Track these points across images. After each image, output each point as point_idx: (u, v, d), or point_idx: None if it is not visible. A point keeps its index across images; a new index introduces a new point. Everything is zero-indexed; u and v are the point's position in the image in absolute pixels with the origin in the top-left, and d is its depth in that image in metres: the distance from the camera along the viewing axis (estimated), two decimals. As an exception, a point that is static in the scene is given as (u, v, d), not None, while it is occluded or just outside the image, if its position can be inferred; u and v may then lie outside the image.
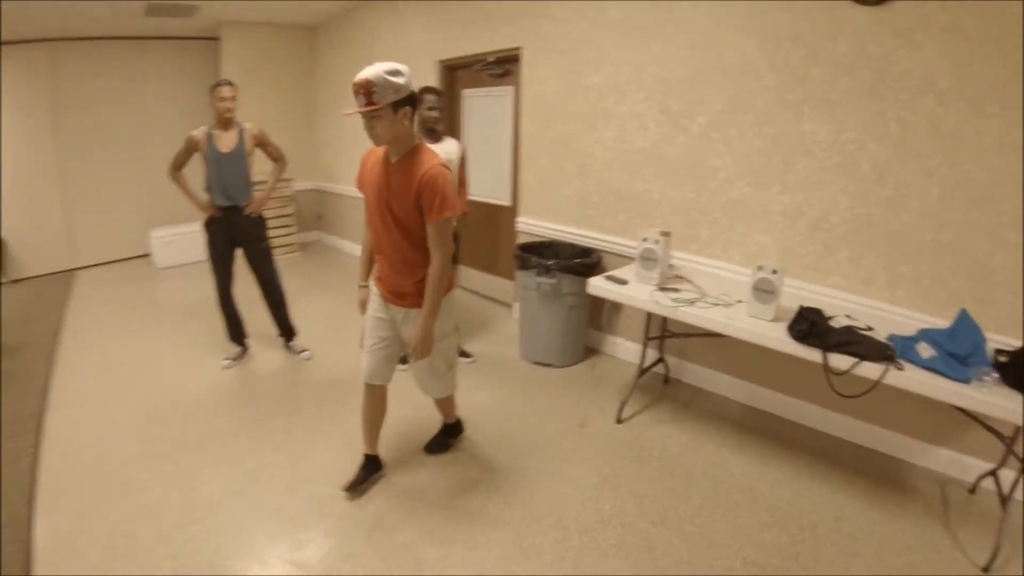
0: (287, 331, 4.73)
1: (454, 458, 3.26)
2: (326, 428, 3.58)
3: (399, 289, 2.69)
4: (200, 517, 2.81)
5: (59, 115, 7.23)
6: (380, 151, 2.58)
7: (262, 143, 4.39)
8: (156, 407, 3.88)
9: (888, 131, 3.05)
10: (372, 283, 2.86)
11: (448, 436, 3.34)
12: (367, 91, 2.30)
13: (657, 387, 4.05)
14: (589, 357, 4.56)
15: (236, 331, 4.62)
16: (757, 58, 3.44)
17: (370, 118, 2.36)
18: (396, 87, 2.33)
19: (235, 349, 4.62)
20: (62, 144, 7.33)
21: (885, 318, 3.03)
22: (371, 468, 3.02)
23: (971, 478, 3.00)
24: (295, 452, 3.34)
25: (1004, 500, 2.64)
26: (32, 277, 7.30)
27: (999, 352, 2.50)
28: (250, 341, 4.69)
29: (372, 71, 2.30)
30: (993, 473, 2.82)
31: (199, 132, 4.20)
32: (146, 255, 7.90)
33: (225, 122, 4.18)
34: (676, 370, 4.15)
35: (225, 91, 4.13)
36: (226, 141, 4.20)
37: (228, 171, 4.22)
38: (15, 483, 3.06)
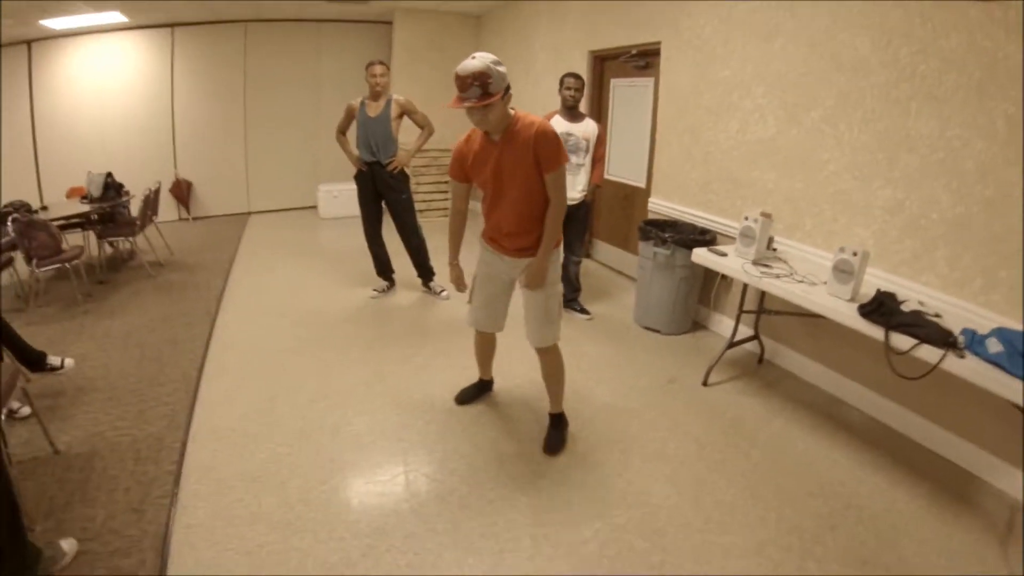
0: (425, 273, 5.50)
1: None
2: (447, 351, 4.32)
3: (522, 244, 2.94)
4: (330, 395, 3.68)
5: (249, 83, 8.76)
6: (476, 139, 2.81)
7: (408, 111, 5.13)
8: (307, 317, 4.93)
9: (995, 128, 3.02)
10: (486, 246, 3.11)
11: (563, 429, 3.32)
12: (483, 82, 2.44)
13: (751, 365, 4.30)
14: (695, 330, 4.89)
15: (383, 267, 5.54)
16: (869, 54, 3.55)
17: (484, 108, 2.50)
18: (503, 75, 2.52)
19: (382, 283, 5.54)
20: (250, 108, 8.86)
21: (975, 321, 2.98)
22: (482, 388, 3.68)
23: None
24: (419, 365, 4.12)
25: None
26: (213, 216, 8.99)
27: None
28: (396, 278, 5.66)
29: (481, 63, 2.45)
30: None
31: (355, 101, 5.09)
32: (312, 206, 9.33)
33: (376, 94, 4.99)
34: (771, 352, 4.36)
35: (377, 69, 4.93)
36: (374, 108, 5.01)
37: (373, 132, 5.02)
38: (191, 356, 4.15)
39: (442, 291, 5.43)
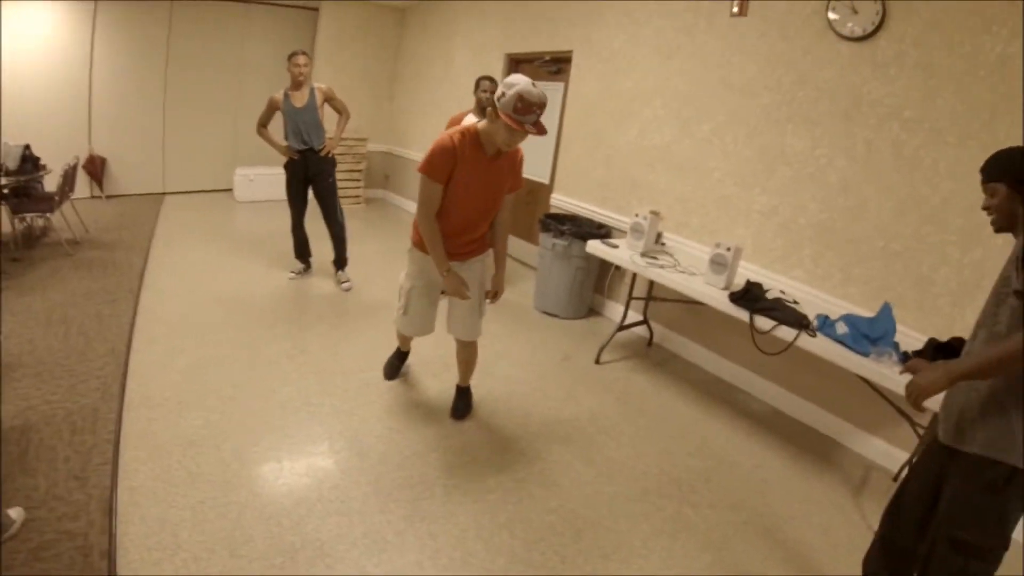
0: (340, 260, 5.50)
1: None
2: (362, 327, 4.54)
3: (467, 250, 3.05)
4: (257, 366, 3.78)
5: (172, 61, 8.44)
6: (467, 145, 2.76)
7: (329, 98, 5.24)
8: (229, 294, 4.94)
9: (856, 150, 3.58)
10: (427, 254, 3.02)
11: (468, 399, 3.56)
12: (541, 112, 2.59)
13: (641, 347, 4.73)
14: (590, 316, 5.29)
15: (303, 251, 5.56)
16: (755, 79, 4.06)
17: (537, 133, 2.63)
18: None
19: (299, 265, 5.57)
20: (170, 86, 8.53)
21: (834, 309, 3.50)
22: (403, 358, 3.84)
23: (895, 467, 3.40)
24: (337, 339, 4.31)
25: (897, 476, 3.22)
26: (127, 195, 8.56)
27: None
28: (312, 262, 5.63)
29: (543, 93, 2.57)
30: (910, 462, 3.15)
31: (277, 94, 5.09)
32: (228, 189, 9.08)
33: (298, 84, 5.03)
34: (660, 337, 4.80)
35: (300, 59, 4.99)
36: (299, 98, 5.05)
37: (303, 120, 5.05)
38: (117, 331, 4.08)
39: (345, 282, 5.44)
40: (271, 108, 5.11)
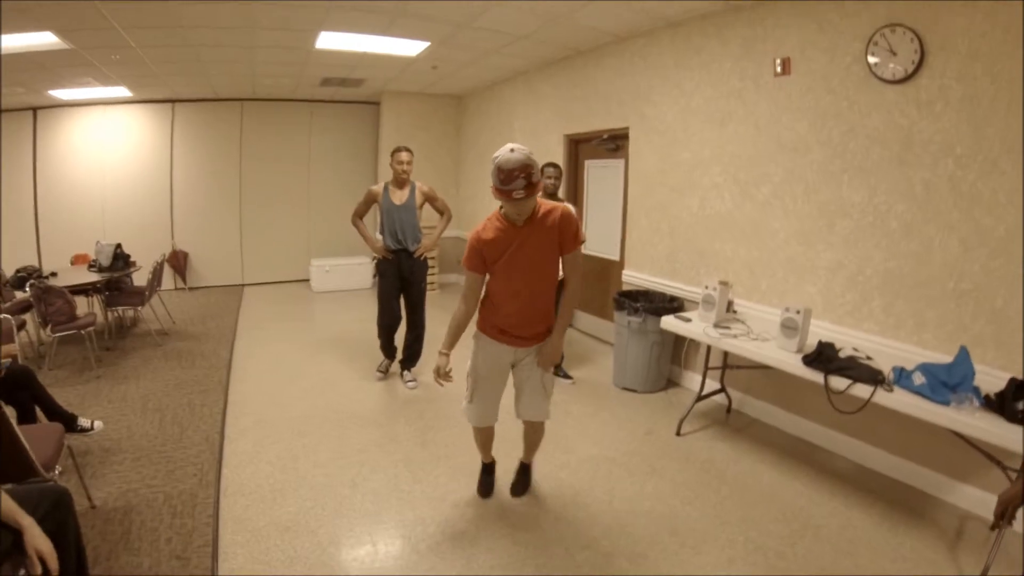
0: (412, 360, 5.34)
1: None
2: (445, 418, 4.58)
3: (536, 332, 3.01)
4: (346, 455, 3.96)
5: (244, 158, 9.31)
6: (492, 227, 2.84)
7: (430, 199, 5.15)
8: (316, 385, 5.22)
9: (914, 192, 3.55)
10: (489, 339, 3.05)
11: (529, 475, 3.55)
12: (527, 174, 2.56)
13: (720, 415, 4.66)
14: (669, 387, 5.25)
15: (391, 353, 5.43)
16: (807, 135, 4.11)
17: (527, 197, 2.60)
18: (537, 164, 2.66)
19: (386, 362, 5.43)
20: (245, 182, 9.39)
21: (910, 358, 3.38)
22: (491, 471, 3.56)
23: (990, 515, 3.26)
24: (423, 428, 4.42)
25: (995, 524, 3.04)
26: (209, 286, 9.37)
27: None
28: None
29: (523, 155, 2.56)
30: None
31: (378, 187, 5.08)
32: (305, 280, 9.70)
33: (401, 181, 5.01)
34: (738, 403, 4.73)
35: (404, 156, 4.94)
36: (399, 196, 5.01)
37: (400, 220, 4.98)
38: (210, 420, 4.42)
39: (411, 381, 5.27)
40: (369, 201, 5.09)
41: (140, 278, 6.95)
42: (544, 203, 2.86)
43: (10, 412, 2.62)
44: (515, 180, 2.53)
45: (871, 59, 3.66)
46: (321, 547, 2.97)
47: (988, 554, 2.71)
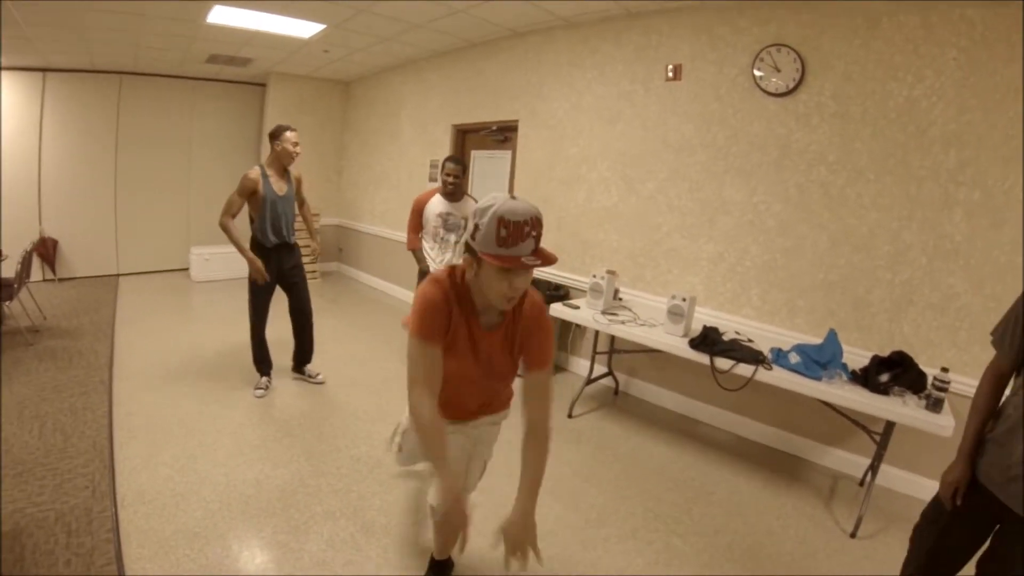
0: (308, 354, 4.94)
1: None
2: (338, 408, 4.52)
3: (491, 408, 2.37)
4: (245, 451, 3.76)
5: (121, 138, 8.48)
6: (460, 309, 1.93)
7: (299, 187, 4.57)
8: (205, 380, 4.88)
9: (789, 194, 3.99)
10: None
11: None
12: (539, 232, 1.75)
13: (608, 397, 4.92)
14: (557, 373, 5.44)
15: (267, 364, 4.77)
16: (692, 137, 4.43)
17: (538, 263, 1.73)
18: None
19: (264, 380, 4.72)
20: (121, 164, 8.56)
21: (785, 340, 3.82)
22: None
23: (860, 474, 3.72)
24: (318, 420, 4.28)
25: (862, 481, 3.55)
26: (80, 277, 8.47)
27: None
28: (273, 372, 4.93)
29: (531, 205, 1.74)
30: (872, 467, 3.38)
31: (255, 173, 4.21)
32: (184, 269, 9.06)
33: (283, 168, 4.35)
34: (625, 385, 5.02)
35: (294, 136, 4.27)
36: (280, 184, 4.33)
37: (284, 212, 4.39)
38: (95, 425, 4.00)
39: (318, 374, 4.93)
40: (246, 191, 4.23)
41: (5, 269, 6.00)
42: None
43: None
44: (525, 239, 1.70)
45: (757, 73, 4.03)
46: (234, 552, 2.82)
47: (860, 507, 3.16)
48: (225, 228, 4.23)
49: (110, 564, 2.68)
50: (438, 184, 4.88)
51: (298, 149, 4.33)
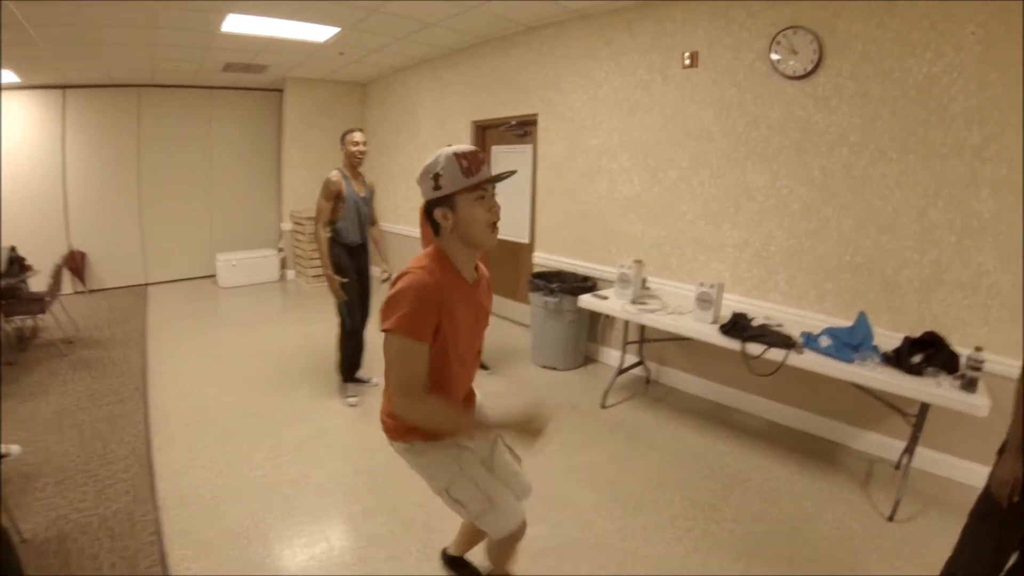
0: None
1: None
2: (373, 406, 4.56)
3: (470, 398, 2.33)
4: (282, 452, 3.87)
5: (142, 150, 8.67)
6: (446, 277, 1.88)
7: (372, 195, 4.73)
8: (236, 385, 5.01)
9: (812, 177, 3.96)
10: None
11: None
12: (488, 162, 1.91)
13: (640, 387, 4.96)
14: (587, 364, 5.52)
15: (357, 367, 4.82)
16: (712, 124, 4.44)
17: (494, 190, 1.91)
18: None
19: (358, 388, 4.76)
20: (143, 175, 8.76)
21: (814, 324, 3.79)
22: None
23: (895, 456, 3.70)
24: (357, 415, 4.41)
25: (898, 464, 3.54)
26: (109, 288, 8.69)
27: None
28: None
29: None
30: (908, 449, 3.35)
31: (335, 176, 4.39)
32: (211, 276, 9.23)
33: (356, 169, 4.55)
34: (656, 374, 5.06)
35: (359, 136, 4.49)
36: (360, 185, 4.56)
37: (364, 213, 4.57)
38: (132, 432, 4.15)
39: (371, 378, 4.90)
40: (331, 196, 4.36)
41: (35, 283, 6.36)
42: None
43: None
44: (484, 164, 1.86)
45: (774, 56, 4.01)
46: (276, 551, 2.91)
47: (897, 490, 3.16)
48: (319, 239, 4.42)
49: (155, 566, 2.78)
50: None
51: (361, 148, 4.50)
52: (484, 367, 5.39)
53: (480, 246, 1.93)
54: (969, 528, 2.08)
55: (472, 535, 2.58)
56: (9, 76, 7.03)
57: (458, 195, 1.83)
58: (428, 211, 1.90)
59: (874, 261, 3.73)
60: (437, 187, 1.84)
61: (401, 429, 2.04)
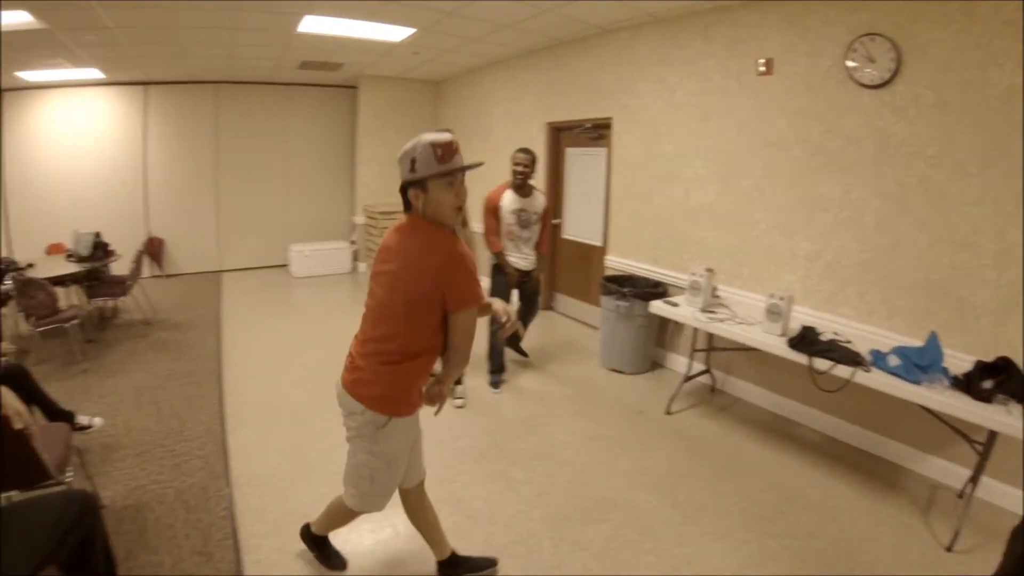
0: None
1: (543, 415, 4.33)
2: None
3: None
4: None
5: (220, 142, 9.21)
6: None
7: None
8: (308, 372, 5.25)
9: (887, 190, 3.87)
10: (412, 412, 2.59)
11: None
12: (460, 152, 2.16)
13: (705, 395, 4.98)
14: (655, 369, 5.57)
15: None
16: (787, 133, 4.39)
17: (463, 177, 2.18)
18: None
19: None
20: (220, 167, 9.29)
21: (883, 341, 3.74)
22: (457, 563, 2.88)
23: (958, 484, 3.58)
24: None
25: (961, 493, 3.44)
26: (185, 273, 9.29)
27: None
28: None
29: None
30: (973, 478, 3.24)
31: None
32: (283, 265, 9.72)
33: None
34: (722, 382, 5.05)
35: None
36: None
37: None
38: (208, 412, 4.45)
39: (459, 398, 4.75)
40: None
41: (117, 267, 6.86)
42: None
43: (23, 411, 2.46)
44: (457, 154, 2.11)
45: (850, 64, 3.94)
46: (343, 533, 2.93)
47: (958, 519, 3.10)
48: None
49: (227, 539, 2.97)
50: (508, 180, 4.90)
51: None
52: (524, 354, 5.59)
53: (445, 225, 2.16)
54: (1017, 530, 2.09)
55: (342, 516, 2.75)
56: (95, 73, 7.57)
57: (430, 179, 2.07)
58: (403, 190, 2.15)
59: (949, 280, 3.62)
60: (412, 170, 2.08)
61: (393, 403, 2.40)
